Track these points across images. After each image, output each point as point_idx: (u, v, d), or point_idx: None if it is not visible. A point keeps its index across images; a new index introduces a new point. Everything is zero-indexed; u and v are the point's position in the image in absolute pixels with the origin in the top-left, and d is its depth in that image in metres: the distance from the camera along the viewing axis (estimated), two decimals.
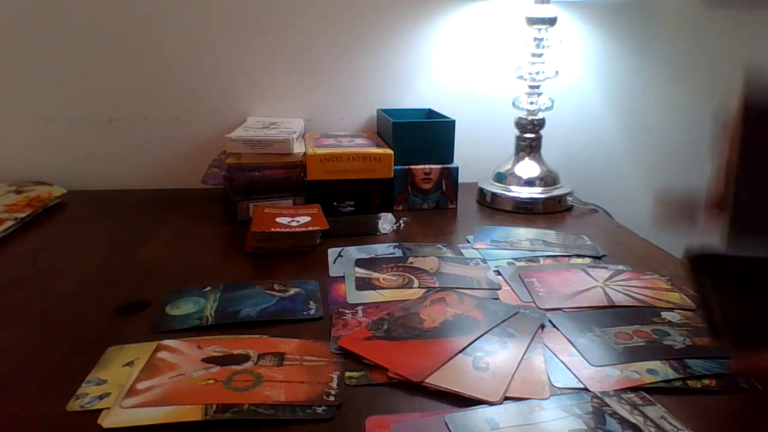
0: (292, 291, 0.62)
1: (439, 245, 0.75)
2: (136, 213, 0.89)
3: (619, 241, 0.79)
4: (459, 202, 0.93)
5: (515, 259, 0.72)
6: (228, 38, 0.98)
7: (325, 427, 0.42)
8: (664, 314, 0.57)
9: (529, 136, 0.95)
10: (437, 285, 0.63)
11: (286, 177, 0.85)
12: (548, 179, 0.94)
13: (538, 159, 0.95)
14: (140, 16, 0.95)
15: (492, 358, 0.49)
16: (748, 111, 0.43)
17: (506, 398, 0.44)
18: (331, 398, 0.44)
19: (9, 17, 0.93)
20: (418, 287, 0.63)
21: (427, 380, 0.46)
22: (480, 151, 1.06)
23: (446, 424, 0.41)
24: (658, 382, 0.46)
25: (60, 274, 0.66)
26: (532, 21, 0.90)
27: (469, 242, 0.77)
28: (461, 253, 0.73)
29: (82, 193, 0.97)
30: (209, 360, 0.48)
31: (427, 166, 0.90)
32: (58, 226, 0.82)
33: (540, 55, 0.91)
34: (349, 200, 0.88)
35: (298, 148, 0.87)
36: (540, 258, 0.72)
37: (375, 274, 0.66)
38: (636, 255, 0.74)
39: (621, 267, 0.69)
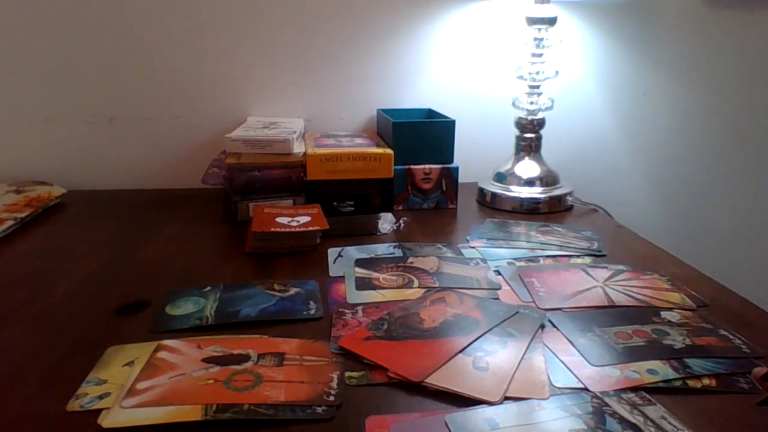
0: (292, 291, 0.62)
1: (439, 245, 0.75)
2: (136, 213, 0.89)
3: (619, 241, 0.79)
4: (459, 202, 0.93)
5: (515, 259, 0.72)
6: (228, 38, 0.98)
7: (325, 427, 0.42)
8: (663, 314, 0.58)
9: (529, 136, 0.95)
10: (437, 285, 0.63)
11: (286, 177, 0.85)
12: (548, 179, 0.94)
13: (538, 159, 0.95)
14: (140, 17, 0.95)
15: (492, 358, 0.49)
16: None
17: (506, 398, 0.44)
18: (331, 398, 0.44)
19: (9, 18, 0.93)
20: (418, 287, 0.63)
21: (427, 380, 0.46)
22: (480, 151, 1.07)
23: (446, 424, 0.41)
24: (658, 382, 0.47)
25: (60, 274, 0.66)
26: (532, 21, 0.90)
27: (468, 242, 0.77)
28: (461, 253, 0.73)
29: (82, 193, 0.97)
30: (209, 360, 0.48)
31: (427, 166, 0.90)
32: (58, 226, 0.82)
33: (540, 55, 0.91)
34: (349, 200, 0.88)
35: (298, 148, 0.87)
36: (540, 258, 0.72)
37: (375, 274, 0.66)
38: (636, 255, 0.74)
39: (621, 267, 0.69)
